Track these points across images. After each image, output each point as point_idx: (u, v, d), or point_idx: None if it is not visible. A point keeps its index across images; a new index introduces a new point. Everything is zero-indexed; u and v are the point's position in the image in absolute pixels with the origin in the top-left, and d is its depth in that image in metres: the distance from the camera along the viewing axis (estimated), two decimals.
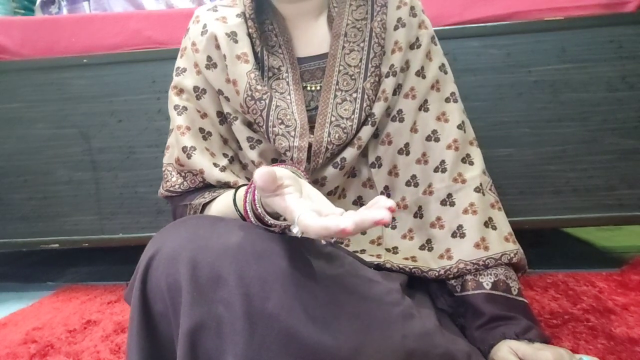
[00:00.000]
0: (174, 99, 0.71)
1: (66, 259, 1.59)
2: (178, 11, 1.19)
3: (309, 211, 0.40)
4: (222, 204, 0.64)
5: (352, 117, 0.66)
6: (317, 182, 0.68)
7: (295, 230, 0.42)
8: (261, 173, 0.41)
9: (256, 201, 0.52)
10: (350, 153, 0.67)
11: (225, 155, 0.71)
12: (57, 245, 1.17)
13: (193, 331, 0.44)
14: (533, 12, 1.03)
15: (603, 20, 1.01)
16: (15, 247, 1.19)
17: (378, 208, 0.38)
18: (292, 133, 0.65)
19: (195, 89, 0.70)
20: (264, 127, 0.65)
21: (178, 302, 0.46)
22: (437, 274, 0.65)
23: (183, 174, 0.71)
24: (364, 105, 0.67)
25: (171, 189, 0.71)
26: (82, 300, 1.12)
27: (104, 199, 1.15)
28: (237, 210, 0.60)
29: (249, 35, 0.68)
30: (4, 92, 1.14)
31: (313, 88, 0.70)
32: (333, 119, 0.66)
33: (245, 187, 0.60)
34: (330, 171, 0.68)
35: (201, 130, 0.70)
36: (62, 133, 1.14)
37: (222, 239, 0.49)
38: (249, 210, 0.54)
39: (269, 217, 0.52)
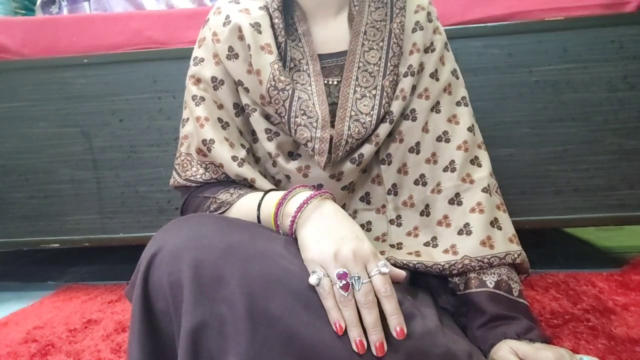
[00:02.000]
0: (191, 88, 0.71)
1: (67, 258, 1.59)
2: (178, 11, 1.19)
3: None
4: (246, 208, 0.64)
5: (372, 112, 0.67)
6: (334, 177, 0.68)
7: None
8: None
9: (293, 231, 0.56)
10: (367, 149, 0.68)
11: (242, 145, 0.71)
12: (58, 244, 1.17)
13: (195, 330, 0.45)
14: (534, 12, 1.03)
15: (604, 20, 1.01)
16: (16, 246, 1.19)
17: None
18: (315, 124, 0.65)
19: (213, 79, 0.70)
20: (286, 117, 0.66)
21: (180, 301, 0.46)
22: (441, 268, 0.64)
23: (204, 165, 0.71)
24: (383, 102, 0.67)
25: (191, 178, 0.71)
26: (83, 300, 1.12)
27: (105, 198, 1.15)
28: (258, 217, 0.61)
29: (272, 27, 0.69)
30: (6, 91, 1.14)
31: (332, 82, 0.71)
32: (353, 113, 0.67)
33: (275, 199, 0.60)
34: (347, 167, 0.68)
35: (219, 120, 0.70)
36: (63, 132, 1.14)
37: (225, 238, 0.49)
38: (282, 233, 0.58)
39: None
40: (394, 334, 0.47)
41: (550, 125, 1.04)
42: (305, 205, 0.55)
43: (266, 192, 0.64)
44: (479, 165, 0.71)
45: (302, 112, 0.65)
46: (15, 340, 0.89)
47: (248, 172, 0.68)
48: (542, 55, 1.02)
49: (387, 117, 0.68)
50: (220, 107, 0.71)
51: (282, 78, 0.66)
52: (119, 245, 1.16)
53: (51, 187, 1.16)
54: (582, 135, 1.03)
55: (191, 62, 0.73)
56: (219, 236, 0.49)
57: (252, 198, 0.64)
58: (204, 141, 0.68)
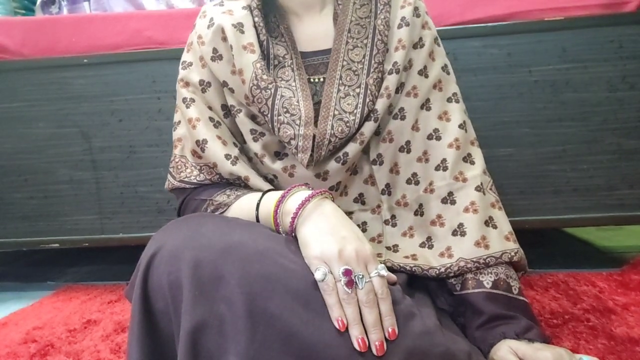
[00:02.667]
0: (182, 91, 0.73)
1: (66, 258, 1.59)
2: (178, 11, 1.19)
3: None
4: (245, 208, 0.64)
5: (355, 111, 0.67)
6: (320, 177, 0.68)
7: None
8: None
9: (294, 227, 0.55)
10: (352, 148, 0.67)
11: (235, 144, 0.71)
12: (57, 244, 1.17)
13: (195, 330, 0.44)
14: (533, 12, 1.03)
15: (603, 20, 1.01)
16: (15, 247, 1.19)
17: None
18: (297, 122, 0.65)
19: (201, 82, 0.71)
20: (269, 115, 0.66)
21: (179, 301, 0.46)
22: (437, 272, 0.65)
23: (199, 167, 0.71)
24: (367, 100, 0.67)
25: (185, 179, 0.71)
26: (83, 300, 1.12)
27: (105, 198, 1.15)
28: (257, 217, 0.62)
29: (255, 25, 0.69)
30: (5, 91, 1.14)
31: (317, 80, 0.71)
32: (336, 112, 0.67)
33: (274, 198, 0.60)
34: (332, 165, 0.68)
35: (211, 119, 0.71)
36: (62, 132, 1.14)
37: (225, 237, 0.49)
38: (281, 231, 0.58)
39: None
40: (386, 334, 0.48)
41: (550, 125, 1.04)
42: (306, 203, 0.55)
43: (265, 192, 0.64)
44: (472, 163, 0.70)
45: (285, 109, 0.65)
46: (15, 341, 0.89)
47: (242, 170, 0.68)
48: (542, 55, 1.02)
49: (371, 115, 0.68)
50: (210, 108, 0.71)
51: (265, 77, 0.66)
52: (118, 246, 1.16)
53: (50, 188, 1.16)
54: (582, 135, 1.03)
55: (180, 67, 0.74)
56: (218, 236, 0.49)
57: (251, 198, 0.64)
58: (197, 142, 0.69)
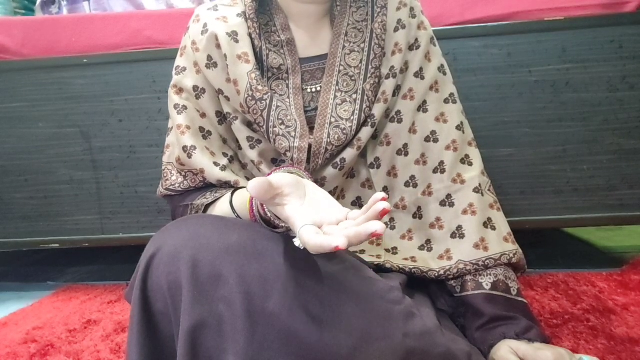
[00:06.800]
0: (173, 97, 0.71)
1: (66, 258, 1.59)
2: (178, 11, 1.19)
3: (309, 226, 0.41)
4: (226, 206, 0.64)
5: (352, 118, 0.66)
6: (317, 183, 0.68)
7: (297, 243, 0.43)
8: (253, 185, 0.41)
9: (264, 205, 0.53)
10: (349, 154, 0.67)
11: (225, 154, 0.71)
12: (57, 244, 1.17)
13: (194, 330, 0.44)
14: (534, 12, 1.03)
15: (604, 20, 1.01)
16: (15, 247, 1.19)
17: (373, 216, 0.40)
18: (293, 134, 0.65)
19: (195, 88, 0.70)
20: (265, 127, 0.65)
21: (179, 301, 0.46)
22: (437, 275, 0.65)
23: (183, 174, 0.71)
24: (364, 106, 0.67)
25: (171, 187, 0.71)
26: (83, 300, 1.12)
27: (105, 198, 1.15)
28: (234, 212, 0.61)
29: (250, 34, 0.68)
30: (5, 91, 1.14)
31: (313, 89, 0.70)
32: (333, 120, 0.66)
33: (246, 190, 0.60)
34: (329, 172, 0.68)
35: (201, 129, 0.70)
36: (63, 132, 1.14)
37: (223, 237, 0.49)
38: (255, 212, 0.56)
39: (278, 221, 0.52)
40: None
41: (550, 125, 1.04)
42: (274, 172, 0.55)
43: (234, 190, 0.65)
44: (470, 164, 0.70)
45: (281, 121, 0.65)
46: (15, 341, 0.89)
47: (230, 176, 0.67)
48: (542, 55, 1.02)
49: (368, 120, 0.67)
50: (203, 115, 0.71)
51: (260, 87, 0.65)
52: (118, 246, 1.16)
53: (50, 188, 1.16)
54: (582, 135, 1.03)
55: (173, 72, 0.73)
56: (217, 236, 0.49)
57: (227, 195, 0.65)
58: (184, 147, 0.68)
